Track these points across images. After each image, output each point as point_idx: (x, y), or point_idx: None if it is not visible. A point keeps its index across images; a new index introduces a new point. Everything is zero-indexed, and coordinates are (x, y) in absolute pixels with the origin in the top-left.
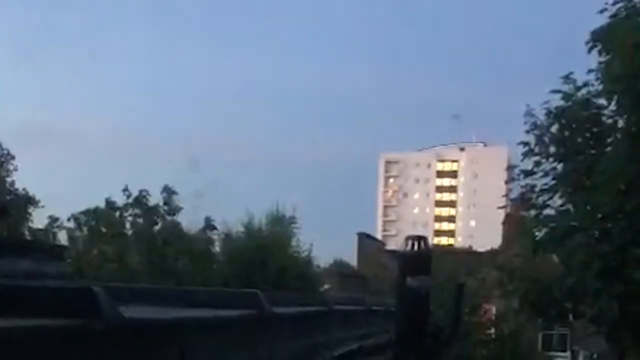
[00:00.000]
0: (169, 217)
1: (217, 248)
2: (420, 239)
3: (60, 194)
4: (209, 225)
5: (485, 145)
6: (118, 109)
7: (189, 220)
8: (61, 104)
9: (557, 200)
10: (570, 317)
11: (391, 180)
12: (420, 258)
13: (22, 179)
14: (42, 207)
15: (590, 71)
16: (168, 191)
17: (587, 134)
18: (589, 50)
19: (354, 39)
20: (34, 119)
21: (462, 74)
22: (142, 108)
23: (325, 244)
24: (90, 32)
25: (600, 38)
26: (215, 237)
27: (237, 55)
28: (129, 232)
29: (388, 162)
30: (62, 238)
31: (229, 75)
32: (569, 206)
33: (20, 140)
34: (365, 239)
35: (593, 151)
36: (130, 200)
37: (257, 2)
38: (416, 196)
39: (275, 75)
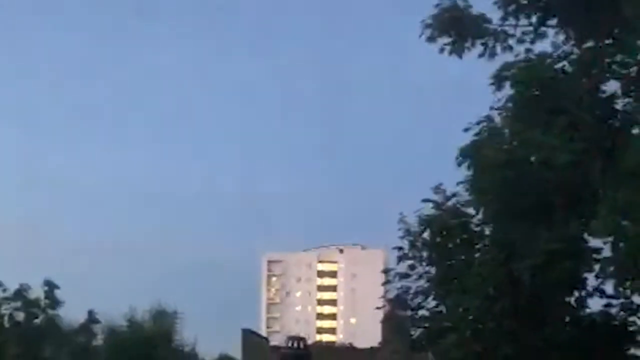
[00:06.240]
0: (50, 311)
1: (100, 342)
2: (299, 339)
3: None
4: (92, 318)
5: (363, 248)
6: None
7: (71, 314)
8: None
9: (431, 302)
10: None
11: (274, 278)
12: (299, 356)
13: None
14: None
15: (459, 183)
16: (49, 285)
17: (457, 240)
18: (459, 165)
19: (240, 139)
20: None
21: (342, 181)
22: (27, 201)
23: (211, 339)
24: None
25: (467, 154)
26: (97, 330)
27: (95, 152)
28: (7, 325)
29: (270, 262)
30: None
31: (99, 170)
32: (442, 308)
33: None
34: (249, 335)
35: (463, 257)
36: (8, 294)
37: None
38: (298, 294)
39: (154, 173)
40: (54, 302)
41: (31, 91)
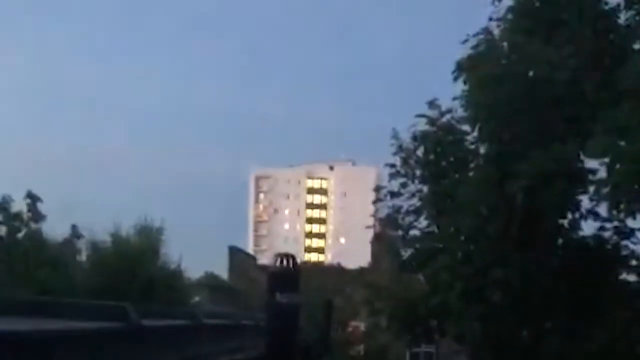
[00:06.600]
0: (32, 225)
1: (83, 257)
2: (288, 256)
3: None
4: (75, 233)
5: (354, 165)
6: None
7: (55, 228)
8: None
9: (423, 222)
10: (436, 335)
11: (262, 195)
12: (289, 275)
13: None
14: None
15: (455, 98)
16: (32, 197)
17: (451, 159)
18: (455, 79)
19: (226, 55)
20: None
21: (334, 94)
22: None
23: (197, 257)
24: None
25: (464, 68)
26: (81, 246)
27: (106, 65)
28: None
29: (259, 178)
30: None
31: (98, 85)
32: (434, 228)
33: None
34: (236, 252)
35: (456, 175)
36: None
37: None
38: (287, 212)
39: (149, 88)
40: (37, 216)
41: None
